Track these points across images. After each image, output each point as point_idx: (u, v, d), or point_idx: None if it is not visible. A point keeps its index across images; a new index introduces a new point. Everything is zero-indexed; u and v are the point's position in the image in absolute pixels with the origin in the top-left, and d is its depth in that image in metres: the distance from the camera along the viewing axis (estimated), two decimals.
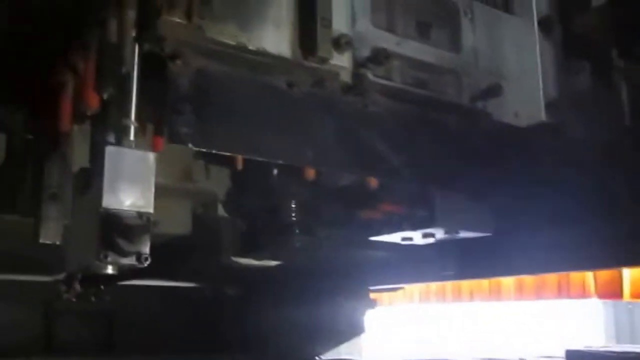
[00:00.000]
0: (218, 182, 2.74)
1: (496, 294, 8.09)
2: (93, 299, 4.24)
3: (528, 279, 7.58)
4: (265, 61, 2.13)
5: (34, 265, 3.88)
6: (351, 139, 2.30)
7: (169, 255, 3.26)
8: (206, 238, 2.71)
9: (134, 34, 1.93)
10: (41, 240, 2.22)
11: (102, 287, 4.25)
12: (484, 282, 7.90)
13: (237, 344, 4.59)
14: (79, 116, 2.08)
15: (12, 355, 3.94)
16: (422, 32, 2.55)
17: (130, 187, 1.87)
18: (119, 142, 1.91)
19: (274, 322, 4.62)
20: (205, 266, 3.54)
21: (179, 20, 1.97)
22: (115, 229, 1.83)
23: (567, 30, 2.79)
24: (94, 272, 1.96)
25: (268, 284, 4.34)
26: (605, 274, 6.70)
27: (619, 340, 11.92)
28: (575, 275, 6.90)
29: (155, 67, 2.00)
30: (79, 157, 2.21)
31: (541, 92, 2.64)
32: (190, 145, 2.01)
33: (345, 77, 2.26)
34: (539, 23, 2.71)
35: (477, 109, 2.53)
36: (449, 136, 2.51)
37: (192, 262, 3.33)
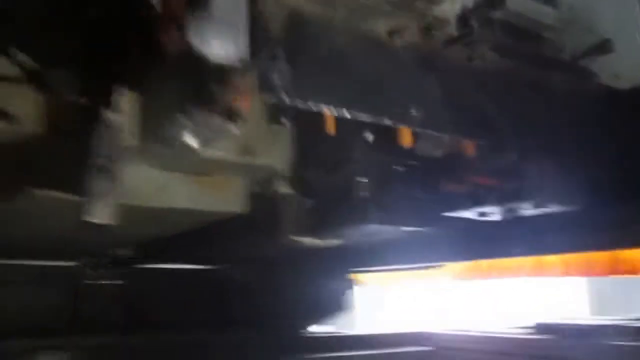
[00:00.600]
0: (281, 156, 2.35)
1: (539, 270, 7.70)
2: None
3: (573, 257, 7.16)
4: (367, 2, 1.77)
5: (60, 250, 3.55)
6: (457, 97, 1.94)
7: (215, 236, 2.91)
8: (263, 217, 2.32)
9: None
10: (89, 219, 1.83)
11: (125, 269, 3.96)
12: (527, 261, 7.50)
13: (244, 322, 4.36)
14: None
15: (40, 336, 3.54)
16: None
17: (220, 33, 1.49)
18: None
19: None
20: (259, 248, 3.19)
21: None
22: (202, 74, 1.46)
23: None
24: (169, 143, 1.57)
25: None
26: None
27: None
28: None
29: None
30: None
31: None
32: (283, 97, 1.64)
33: (453, 24, 1.91)
34: None
35: (582, 67, 2.19)
36: (552, 98, 2.17)
37: (243, 244, 2.96)
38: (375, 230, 2.37)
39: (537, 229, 2.58)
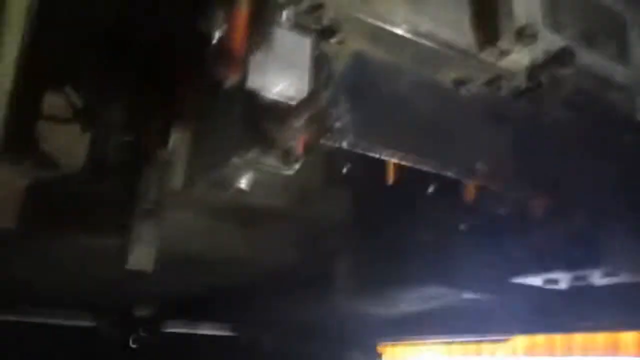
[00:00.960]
0: (337, 207, 2.24)
1: (613, 349, 7.28)
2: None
3: None
4: (434, 50, 1.69)
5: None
6: (522, 152, 1.83)
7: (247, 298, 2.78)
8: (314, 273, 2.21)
9: None
10: (129, 266, 1.74)
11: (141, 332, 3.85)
12: (600, 339, 7.10)
13: None
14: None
15: None
16: (589, 40, 2.11)
17: (282, 71, 1.43)
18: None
19: None
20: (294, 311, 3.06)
21: None
22: (260, 112, 1.37)
23: None
24: (221, 185, 1.47)
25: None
26: None
27: None
28: None
29: None
30: None
31: None
32: (344, 144, 1.55)
33: (521, 77, 1.80)
34: None
35: None
36: (624, 160, 2.04)
37: (277, 306, 2.84)
38: (433, 294, 2.24)
39: (610, 301, 2.43)
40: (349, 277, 2.22)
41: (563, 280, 2.22)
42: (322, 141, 1.52)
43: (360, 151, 1.59)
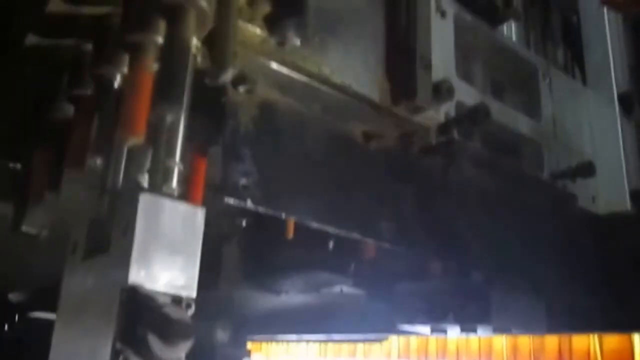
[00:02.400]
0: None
1: (486, 357, 7.32)
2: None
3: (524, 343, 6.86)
4: (345, 101, 1.58)
5: None
6: (429, 212, 1.75)
7: None
8: None
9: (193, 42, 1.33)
10: (24, 228, 1.57)
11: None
12: (474, 343, 7.12)
13: None
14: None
15: None
16: (498, 92, 2.06)
17: (169, 256, 1.24)
18: (154, 190, 1.28)
19: None
20: None
21: (259, 32, 1.39)
22: (143, 319, 1.18)
23: None
24: None
25: None
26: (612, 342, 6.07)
27: None
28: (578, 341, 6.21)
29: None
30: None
31: (624, 177, 2.15)
32: (248, 202, 1.41)
33: (433, 132, 1.72)
34: (619, 100, 2.23)
35: (560, 188, 2.02)
36: (527, 218, 1.99)
37: None
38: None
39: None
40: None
41: (451, 330, 2.17)
42: (225, 200, 1.39)
43: (263, 210, 1.46)
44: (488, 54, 2.02)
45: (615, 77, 2.25)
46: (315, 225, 1.53)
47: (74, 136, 1.45)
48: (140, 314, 1.16)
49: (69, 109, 1.46)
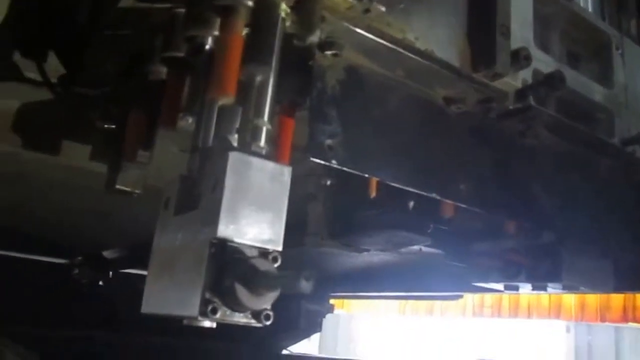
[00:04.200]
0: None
1: (556, 313, 7.09)
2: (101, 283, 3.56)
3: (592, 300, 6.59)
4: (428, 67, 1.39)
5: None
6: (505, 175, 1.55)
7: None
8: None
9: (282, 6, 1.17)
10: (118, 186, 1.47)
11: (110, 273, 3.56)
12: (544, 300, 6.88)
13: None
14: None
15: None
16: (573, 61, 1.82)
17: (257, 212, 1.09)
18: (243, 148, 1.13)
19: None
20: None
21: None
22: (231, 271, 1.04)
23: None
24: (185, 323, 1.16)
25: None
26: None
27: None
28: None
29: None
30: None
31: None
32: (334, 163, 1.25)
33: (511, 98, 1.51)
34: None
35: (629, 153, 1.79)
36: (597, 182, 1.77)
37: None
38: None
39: None
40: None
41: (523, 288, 1.99)
42: (311, 160, 1.23)
43: (348, 170, 1.30)
44: (564, 24, 1.80)
45: None
46: (397, 185, 1.35)
47: (167, 96, 1.31)
48: (228, 265, 1.03)
49: (163, 71, 1.32)
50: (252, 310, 1.05)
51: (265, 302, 1.05)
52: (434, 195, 1.40)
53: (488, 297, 6.73)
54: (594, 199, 1.77)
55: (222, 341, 3.75)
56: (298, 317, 4.16)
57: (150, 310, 1.26)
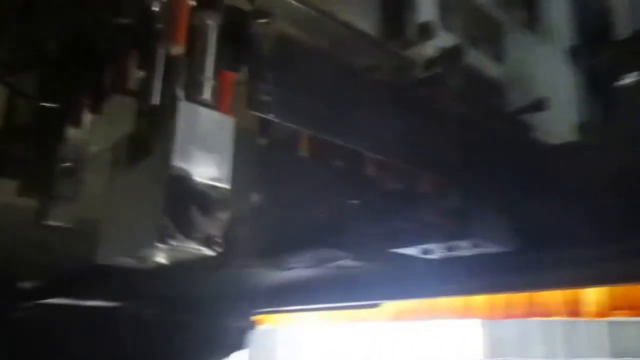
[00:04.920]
0: None
1: (469, 312, 7.44)
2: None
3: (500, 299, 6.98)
4: (349, 36, 1.61)
5: None
6: (418, 134, 1.79)
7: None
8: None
9: None
10: (50, 222, 1.56)
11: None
12: (458, 300, 7.18)
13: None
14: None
15: None
16: (472, 42, 2.09)
17: (206, 154, 1.28)
18: (191, 99, 1.32)
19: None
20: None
21: None
22: (187, 199, 1.23)
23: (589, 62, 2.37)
24: (139, 260, 1.33)
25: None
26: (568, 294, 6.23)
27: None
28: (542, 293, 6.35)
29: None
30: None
31: (573, 114, 2.20)
32: (271, 115, 1.45)
33: (420, 68, 1.76)
34: (570, 51, 2.28)
35: (523, 121, 2.07)
36: (498, 146, 2.04)
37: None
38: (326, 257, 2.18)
39: (471, 270, 2.45)
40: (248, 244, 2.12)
41: (437, 250, 2.21)
42: (251, 112, 1.42)
43: (282, 123, 1.49)
44: (463, 10, 2.06)
45: (566, 33, 2.30)
46: (322, 136, 1.56)
47: (116, 64, 1.45)
48: (183, 195, 1.20)
49: (111, 38, 1.45)
50: (204, 236, 1.23)
51: (217, 226, 1.24)
52: (356, 146, 1.61)
53: (406, 302, 7.09)
54: (495, 163, 2.03)
55: None
56: (224, 334, 4.26)
57: (106, 260, 1.41)
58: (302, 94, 1.54)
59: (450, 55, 1.77)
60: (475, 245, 2.13)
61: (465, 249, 2.15)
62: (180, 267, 2.16)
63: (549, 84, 2.21)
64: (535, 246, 2.30)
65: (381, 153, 1.67)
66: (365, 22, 1.62)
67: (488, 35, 2.16)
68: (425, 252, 2.21)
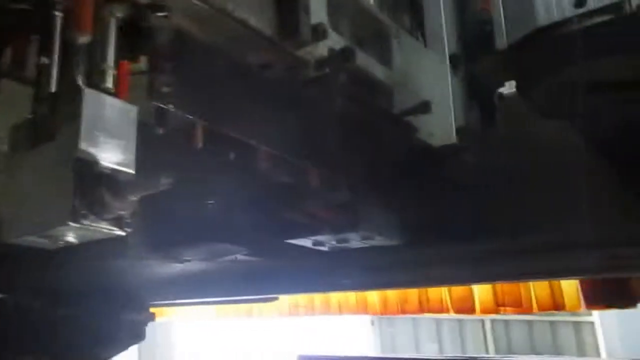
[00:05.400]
0: None
1: (362, 309, 7.62)
2: None
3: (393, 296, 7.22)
4: (245, 34, 1.71)
5: None
6: (308, 130, 1.92)
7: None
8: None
9: None
10: None
11: None
12: (352, 298, 7.37)
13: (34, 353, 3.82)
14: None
15: None
16: (360, 45, 2.24)
17: (110, 139, 1.36)
18: (94, 86, 1.39)
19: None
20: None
21: None
22: (97, 182, 1.31)
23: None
24: (49, 240, 1.38)
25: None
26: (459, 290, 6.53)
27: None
28: (433, 291, 6.62)
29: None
30: None
31: (452, 118, 2.39)
32: (170, 106, 1.53)
33: (311, 68, 1.89)
34: (450, 59, 2.49)
35: (407, 122, 2.24)
36: (383, 146, 2.20)
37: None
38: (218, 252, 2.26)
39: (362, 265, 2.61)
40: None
41: (329, 242, 2.34)
42: (152, 101, 1.50)
43: (180, 112, 1.58)
44: (352, 13, 2.20)
45: (447, 42, 2.49)
46: (221, 128, 1.66)
47: (14, 49, 1.50)
48: (93, 178, 1.27)
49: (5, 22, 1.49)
50: (115, 216, 1.30)
51: (126, 206, 1.32)
52: (252, 140, 1.72)
53: (302, 297, 7.25)
54: (382, 160, 2.19)
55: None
56: (118, 327, 4.23)
57: (13, 239, 1.44)
58: (199, 86, 1.62)
59: (340, 56, 1.90)
60: (364, 238, 2.27)
61: (354, 241, 2.30)
62: (71, 258, 2.20)
63: (432, 88, 2.39)
64: (423, 242, 2.49)
65: (273, 147, 1.77)
66: (261, 21, 1.71)
67: (375, 38, 2.31)
68: (316, 243, 2.34)
